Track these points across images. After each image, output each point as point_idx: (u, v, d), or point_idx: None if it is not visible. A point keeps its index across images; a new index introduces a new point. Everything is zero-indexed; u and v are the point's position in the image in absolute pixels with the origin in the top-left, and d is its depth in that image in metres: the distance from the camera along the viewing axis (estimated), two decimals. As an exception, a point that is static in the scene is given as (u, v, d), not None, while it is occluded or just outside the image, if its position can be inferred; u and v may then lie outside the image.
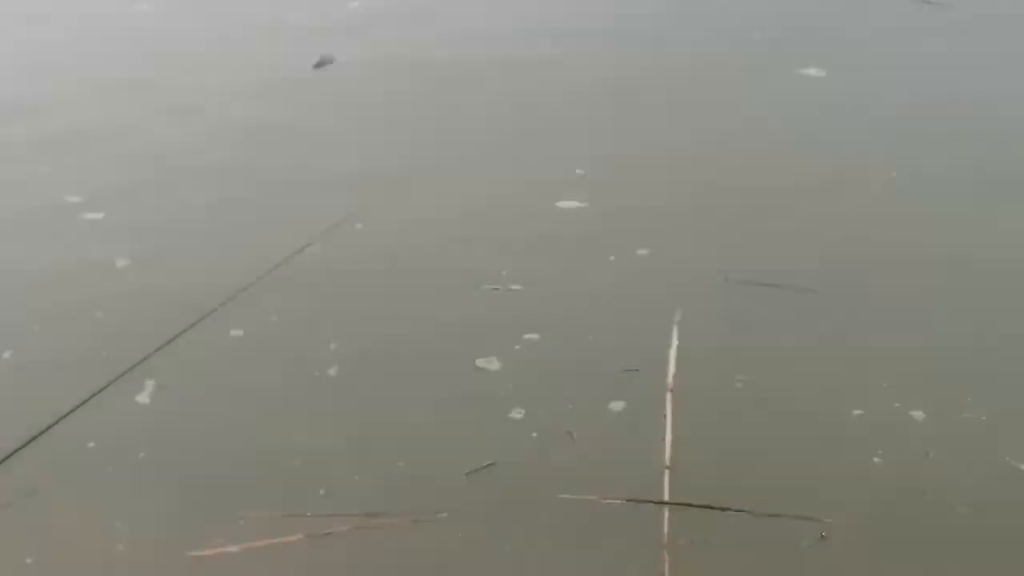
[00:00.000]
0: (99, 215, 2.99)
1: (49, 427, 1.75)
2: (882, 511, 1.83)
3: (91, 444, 2.05)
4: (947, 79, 3.67)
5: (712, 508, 1.84)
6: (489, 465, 1.97)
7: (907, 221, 2.87)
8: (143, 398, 2.18)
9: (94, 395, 2.04)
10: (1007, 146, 3.27)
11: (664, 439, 2.03)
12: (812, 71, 3.78)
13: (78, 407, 1.87)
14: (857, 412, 2.10)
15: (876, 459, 1.96)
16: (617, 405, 2.14)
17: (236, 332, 2.44)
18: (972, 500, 1.84)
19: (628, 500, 1.88)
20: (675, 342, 2.32)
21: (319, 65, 3.87)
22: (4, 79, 4.01)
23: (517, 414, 2.12)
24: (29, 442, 1.66)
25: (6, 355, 2.35)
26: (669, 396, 2.15)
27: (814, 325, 2.43)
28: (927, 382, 2.21)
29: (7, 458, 1.60)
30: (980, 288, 2.56)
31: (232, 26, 4.42)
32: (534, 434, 2.07)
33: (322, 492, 1.92)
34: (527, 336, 2.38)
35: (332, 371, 2.29)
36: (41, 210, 3.05)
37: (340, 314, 2.55)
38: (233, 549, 1.80)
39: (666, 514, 1.84)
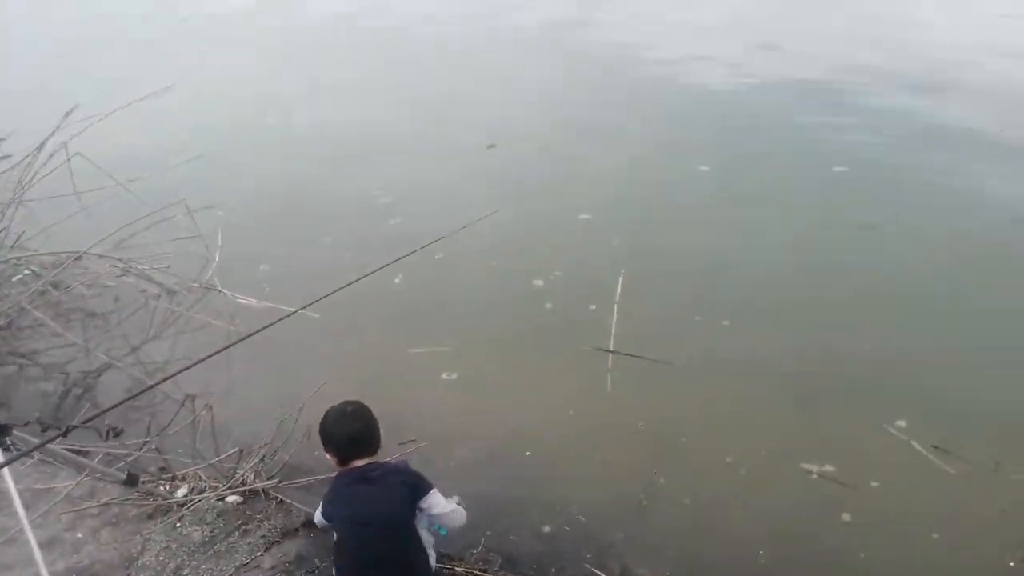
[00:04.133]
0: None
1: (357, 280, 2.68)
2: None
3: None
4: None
5: (626, 354, 3.90)
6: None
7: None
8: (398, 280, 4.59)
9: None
10: None
11: (612, 326, 4.11)
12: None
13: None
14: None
15: (725, 322, 3.88)
16: (592, 306, 4.32)
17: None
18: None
19: (597, 349, 3.97)
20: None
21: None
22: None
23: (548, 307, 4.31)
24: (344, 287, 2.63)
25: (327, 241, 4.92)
26: (616, 306, 4.23)
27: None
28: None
29: (325, 297, 2.59)
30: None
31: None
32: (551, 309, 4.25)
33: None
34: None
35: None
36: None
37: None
38: (420, 350, 4.16)
39: (610, 357, 3.92)
